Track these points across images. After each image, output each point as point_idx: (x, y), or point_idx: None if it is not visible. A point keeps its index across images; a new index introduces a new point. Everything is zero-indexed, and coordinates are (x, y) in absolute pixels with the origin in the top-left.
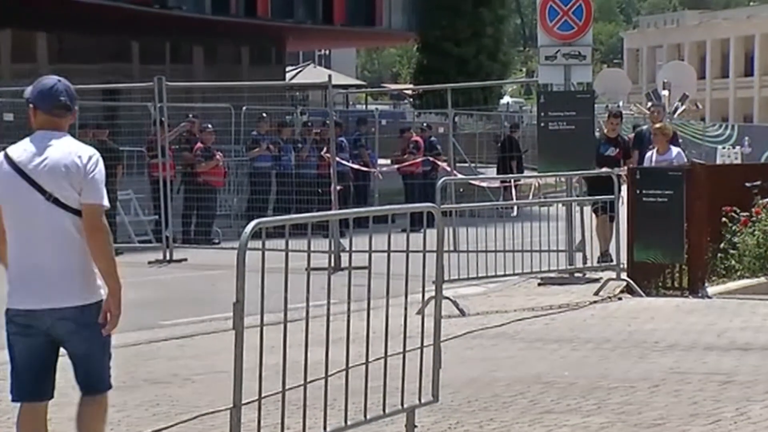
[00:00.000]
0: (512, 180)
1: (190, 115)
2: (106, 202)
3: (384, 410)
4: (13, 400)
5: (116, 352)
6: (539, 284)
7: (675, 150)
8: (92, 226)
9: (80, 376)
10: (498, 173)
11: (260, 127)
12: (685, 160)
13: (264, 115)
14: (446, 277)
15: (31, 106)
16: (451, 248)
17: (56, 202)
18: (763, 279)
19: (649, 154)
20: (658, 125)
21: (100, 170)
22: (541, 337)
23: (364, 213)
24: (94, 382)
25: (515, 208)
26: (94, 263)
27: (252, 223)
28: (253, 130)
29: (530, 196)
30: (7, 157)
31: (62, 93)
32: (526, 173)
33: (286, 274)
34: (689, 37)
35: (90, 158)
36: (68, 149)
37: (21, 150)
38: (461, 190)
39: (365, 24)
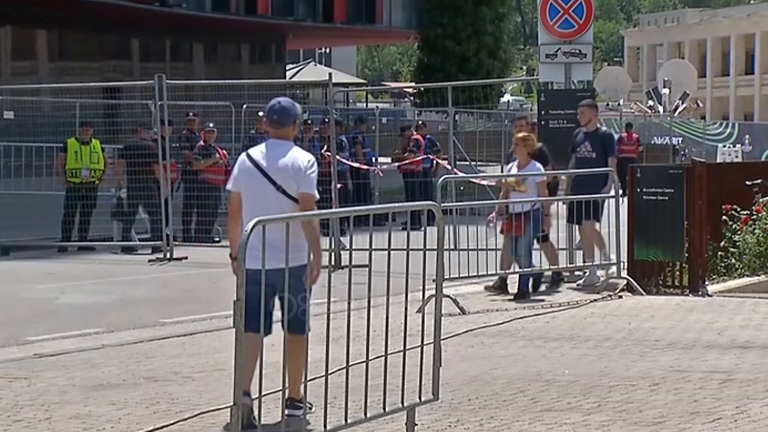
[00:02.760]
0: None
1: (191, 114)
2: (316, 194)
3: (384, 408)
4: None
5: (117, 350)
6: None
7: (537, 165)
8: (305, 210)
9: (287, 319)
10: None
11: (259, 126)
12: (544, 179)
13: (261, 113)
14: (446, 276)
15: (264, 119)
16: (452, 246)
17: (283, 192)
18: (763, 277)
19: (509, 166)
20: (521, 135)
21: (315, 170)
22: (541, 336)
23: (365, 211)
24: (298, 324)
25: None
26: (305, 235)
27: (252, 221)
28: (252, 128)
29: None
30: (248, 156)
31: (276, 112)
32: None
33: (287, 271)
34: (690, 35)
35: (309, 162)
36: (294, 155)
37: (259, 152)
38: (461, 188)
39: (365, 22)
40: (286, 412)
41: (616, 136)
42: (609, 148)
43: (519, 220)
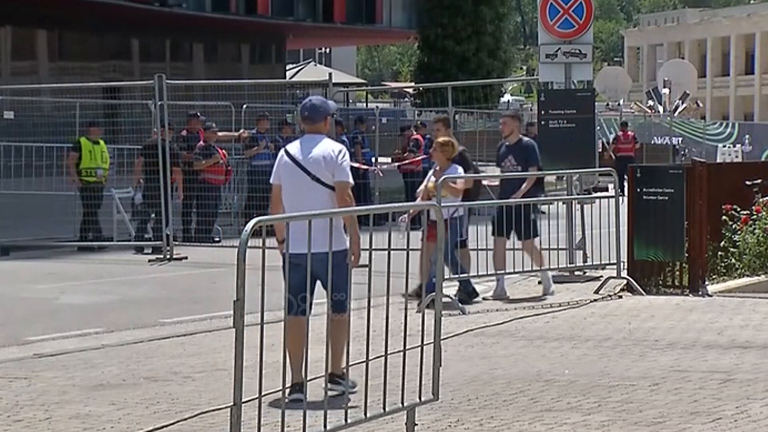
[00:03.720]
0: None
1: (198, 114)
2: (351, 181)
3: (384, 408)
4: (288, 314)
5: (117, 350)
6: (539, 282)
7: (456, 168)
8: (341, 197)
9: (329, 299)
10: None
11: (260, 126)
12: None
13: (267, 114)
14: (446, 275)
15: (299, 117)
16: None
17: (318, 181)
18: (763, 277)
19: (430, 172)
20: (441, 140)
21: (347, 159)
22: (541, 336)
23: (365, 211)
24: (337, 304)
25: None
26: (343, 220)
27: (252, 221)
28: (253, 128)
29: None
30: (286, 152)
31: (307, 109)
32: None
33: (287, 272)
34: (690, 35)
35: (340, 151)
36: (325, 146)
37: (295, 148)
38: None
39: (365, 22)
40: (328, 386)
41: (612, 136)
42: (531, 158)
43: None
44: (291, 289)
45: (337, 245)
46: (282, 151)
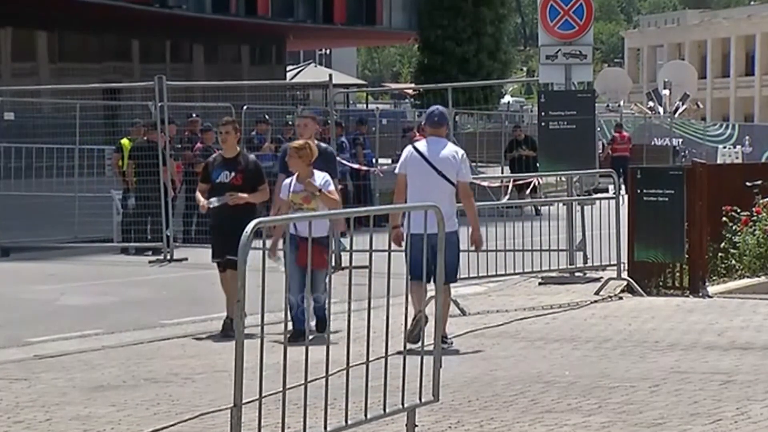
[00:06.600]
0: (512, 179)
1: (194, 115)
2: (471, 179)
3: (384, 410)
4: (412, 279)
5: (117, 352)
6: (540, 284)
7: (320, 175)
8: (465, 193)
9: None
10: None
11: (259, 128)
12: (333, 188)
13: (267, 117)
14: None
15: (425, 123)
16: None
17: (443, 176)
18: (763, 278)
19: (287, 181)
20: (296, 144)
21: (466, 159)
22: (541, 337)
23: (365, 212)
24: (448, 276)
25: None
26: (466, 211)
27: (252, 223)
28: (253, 129)
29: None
30: (415, 148)
31: (437, 116)
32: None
33: (287, 273)
34: (690, 36)
35: (462, 155)
36: (450, 149)
37: (423, 146)
38: None
39: (366, 23)
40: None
41: (608, 137)
42: (332, 165)
43: (310, 247)
44: (412, 260)
45: (453, 226)
46: (410, 147)
